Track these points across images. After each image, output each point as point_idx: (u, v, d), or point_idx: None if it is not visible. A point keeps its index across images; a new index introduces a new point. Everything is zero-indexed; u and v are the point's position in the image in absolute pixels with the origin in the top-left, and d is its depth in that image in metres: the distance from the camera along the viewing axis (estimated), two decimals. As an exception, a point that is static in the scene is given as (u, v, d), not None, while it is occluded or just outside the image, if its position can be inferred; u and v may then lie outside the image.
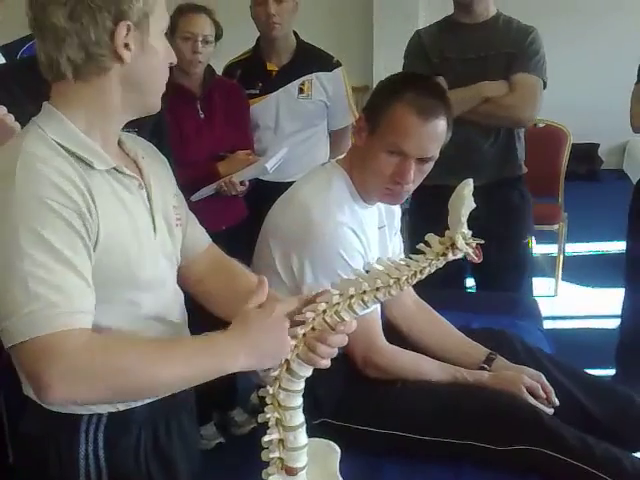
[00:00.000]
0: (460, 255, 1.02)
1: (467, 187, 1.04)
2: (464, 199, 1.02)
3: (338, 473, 1.18)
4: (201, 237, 1.38)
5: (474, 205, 1.03)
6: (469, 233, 1.02)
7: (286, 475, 1.08)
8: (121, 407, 1.18)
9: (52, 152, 1.07)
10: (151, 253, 1.19)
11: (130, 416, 1.20)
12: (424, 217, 2.42)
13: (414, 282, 1.03)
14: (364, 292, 1.03)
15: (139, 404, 1.20)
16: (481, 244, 1.04)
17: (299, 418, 1.08)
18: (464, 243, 1.01)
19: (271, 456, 1.08)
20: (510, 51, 2.37)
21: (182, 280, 1.32)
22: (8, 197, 1.01)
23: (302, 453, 1.08)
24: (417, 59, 2.45)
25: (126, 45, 1.09)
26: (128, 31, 1.08)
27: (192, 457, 1.35)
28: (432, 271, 1.04)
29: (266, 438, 1.07)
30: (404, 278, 1.02)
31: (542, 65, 2.40)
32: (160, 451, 1.25)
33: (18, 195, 1.01)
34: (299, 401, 1.08)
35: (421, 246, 1.04)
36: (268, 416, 1.07)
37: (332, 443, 1.19)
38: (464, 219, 1.01)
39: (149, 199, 1.20)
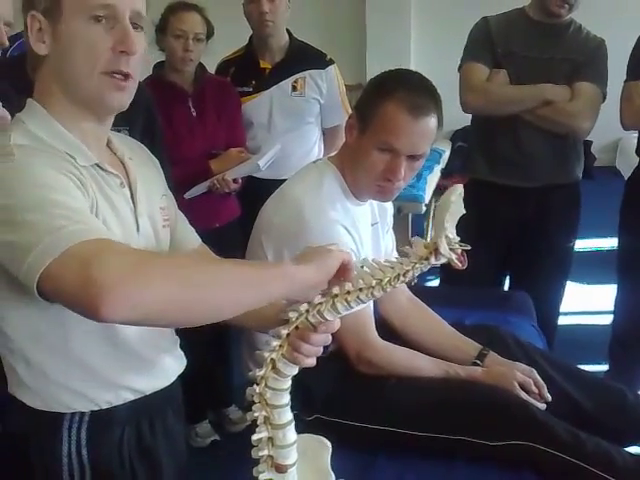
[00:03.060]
0: (443, 260, 1.01)
1: (454, 193, 1.03)
2: (450, 204, 1.01)
3: (329, 469, 1.18)
4: (190, 237, 1.38)
5: (463, 211, 1.03)
6: (456, 239, 1.02)
7: (276, 472, 1.08)
8: (103, 405, 1.18)
9: (41, 145, 1.07)
10: None
11: (113, 414, 1.19)
12: (467, 211, 2.45)
13: (397, 285, 1.02)
14: (347, 292, 1.02)
15: (121, 403, 1.19)
16: (466, 250, 1.03)
17: (287, 416, 1.08)
18: (447, 249, 1.00)
19: (260, 454, 1.08)
20: (577, 58, 2.35)
21: None
22: (12, 167, 0.99)
23: (291, 450, 1.09)
24: (482, 46, 2.40)
25: (42, 37, 1.08)
26: (40, 23, 1.07)
27: (178, 455, 1.34)
28: (416, 275, 1.03)
29: (255, 437, 1.07)
30: (387, 280, 1.01)
31: (606, 78, 2.38)
32: (144, 449, 1.25)
33: (22, 165, 1.00)
34: (286, 399, 1.08)
35: (406, 249, 1.04)
36: (256, 414, 1.07)
37: (323, 439, 1.19)
38: (447, 224, 1.00)
39: (132, 199, 1.20)
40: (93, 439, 1.18)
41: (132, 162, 1.24)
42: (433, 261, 1.01)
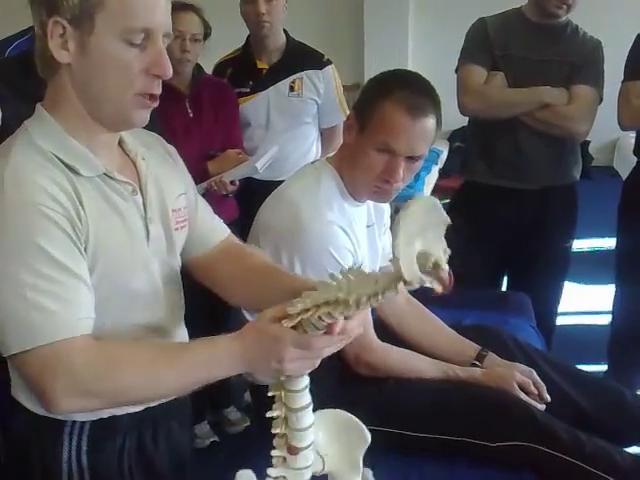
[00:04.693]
0: (417, 286, 0.86)
1: (412, 206, 0.85)
2: (407, 220, 0.84)
3: (361, 464, 1.13)
4: (217, 229, 1.35)
5: (445, 221, 0.87)
6: (440, 257, 0.85)
7: (288, 453, 1.07)
8: (105, 415, 1.17)
9: (40, 158, 1.05)
10: (144, 260, 1.17)
11: (115, 423, 1.19)
12: (465, 212, 2.47)
13: (374, 304, 0.92)
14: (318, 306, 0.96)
15: (124, 412, 1.19)
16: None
17: (302, 400, 1.06)
18: (417, 274, 0.84)
19: (274, 431, 1.07)
20: (574, 61, 2.34)
21: (197, 273, 1.32)
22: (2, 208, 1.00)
23: (306, 434, 1.07)
24: (479, 48, 2.39)
25: (65, 44, 1.03)
26: (64, 30, 1.02)
27: (180, 468, 1.32)
28: (396, 294, 0.89)
29: (269, 413, 1.07)
30: (364, 298, 0.91)
31: (602, 80, 2.38)
32: (145, 459, 1.24)
33: (9, 202, 1.00)
34: (302, 384, 1.06)
35: (387, 265, 0.93)
36: (271, 394, 1.07)
37: (365, 430, 1.14)
38: (410, 245, 0.84)
39: (144, 206, 1.17)
40: (94, 446, 1.18)
41: (146, 163, 1.21)
42: (404, 288, 0.87)
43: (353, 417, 1.14)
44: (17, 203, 1.00)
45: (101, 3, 1.00)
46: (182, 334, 1.31)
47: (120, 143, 1.19)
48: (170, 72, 1.07)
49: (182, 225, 1.26)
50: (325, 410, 1.14)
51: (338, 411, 1.15)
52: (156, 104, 1.10)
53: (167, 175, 1.26)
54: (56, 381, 0.99)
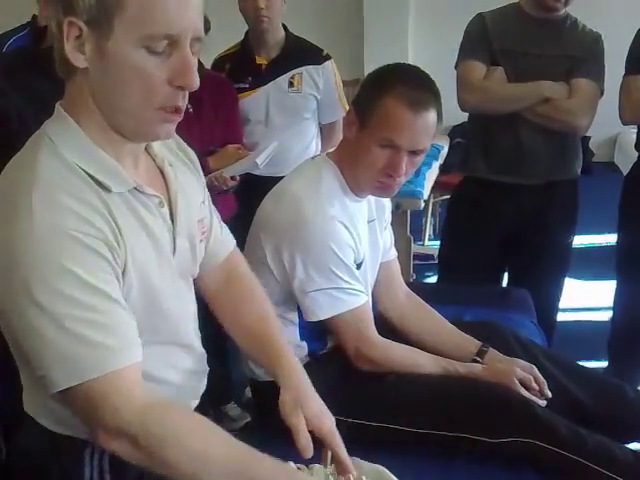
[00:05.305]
0: None
1: None
2: None
3: None
4: (226, 241, 1.32)
5: None
6: None
7: None
8: None
9: (68, 173, 0.97)
10: (170, 276, 1.12)
11: None
12: (466, 208, 2.50)
13: None
14: None
15: None
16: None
17: None
18: None
19: None
20: (574, 54, 2.32)
21: (202, 290, 1.29)
22: (28, 232, 0.92)
23: None
24: (478, 43, 2.37)
25: (81, 46, 0.94)
26: (80, 31, 0.93)
27: None
28: None
29: None
30: None
31: (603, 73, 2.36)
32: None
33: (38, 227, 0.92)
34: None
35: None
36: None
37: None
38: None
39: (172, 217, 1.11)
40: (116, 465, 1.11)
41: (173, 169, 1.14)
42: None
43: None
44: (47, 228, 0.93)
45: (120, 5, 0.91)
46: (201, 348, 1.27)
47: (146, 148, 1.11)
48: (196, 84, 0.97)
49: (205, 236, 1.22)
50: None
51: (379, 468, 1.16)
52: (181, 117, 1.01)
53: (190, 182, 1.20)
54: (105, 421, 0.96)
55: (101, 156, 1.00)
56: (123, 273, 1.01)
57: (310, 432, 1.17)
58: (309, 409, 1.20)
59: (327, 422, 1.21)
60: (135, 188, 1.04)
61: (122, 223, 1.00)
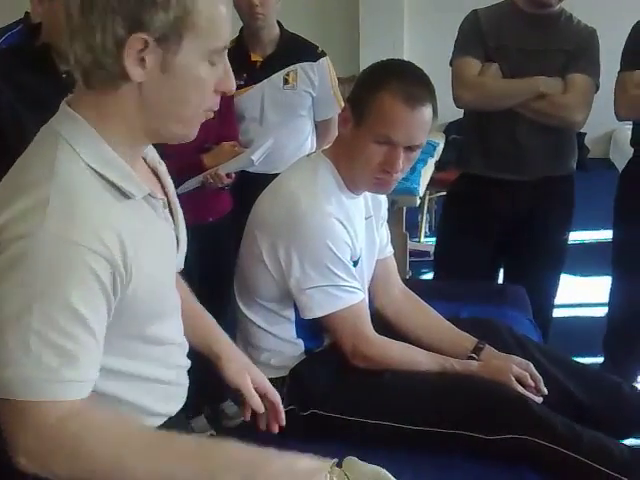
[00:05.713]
0: None
1: None
2: None
3: None
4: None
5: None
6: None
7: None
8: None
9: (86, 177, 0.95)
10: (172, 275, 1.13)
11: None
12: (461, 204, 2.50)
13: None
14: None
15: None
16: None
17: None
18: None
19: None
20: (569, 49, 2.32)
21: None
22: (33, 234, 0.89)
23: None
24: (473, 40, 2.38)
25: (141, 61, 0.93)
26: (145, 46, 0.92)
27: None
28: None
29: None
30: None
31: (598, 68, 2.36)
32: None
33: (49, 235, 0.89)
34: None
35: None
36: None
37: None
38: None
39: (172, 216, 1.12)
40: None
41: (162, 168, 1.15)
42: None
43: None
44: (58, 240, 0.90)
45: (193, 23, 0.93)
46: (186, 342, 1.26)
47: None
48: (235, 88, 1.05)
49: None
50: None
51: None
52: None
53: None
54: (26, 440, 0.91)
55: (118, 162, 0.99)
56: (125, 290, 0.98)
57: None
58: (255, 374, 1.40)
59: (268, 382, 1.43)
60: (149, 194, 1.04)
61: (126, 231, 0.97)
